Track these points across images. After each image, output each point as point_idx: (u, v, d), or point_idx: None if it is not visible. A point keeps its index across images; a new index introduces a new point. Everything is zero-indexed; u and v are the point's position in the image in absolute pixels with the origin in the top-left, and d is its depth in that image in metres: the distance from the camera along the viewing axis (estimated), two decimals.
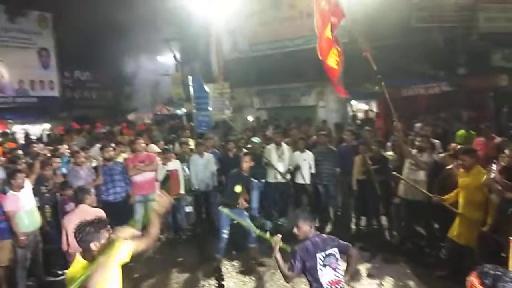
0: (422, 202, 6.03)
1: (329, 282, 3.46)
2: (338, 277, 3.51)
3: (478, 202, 4.91)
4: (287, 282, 3.70)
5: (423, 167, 6.10)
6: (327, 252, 3.51)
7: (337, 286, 3.50)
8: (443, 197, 5.34)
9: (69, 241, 4.54)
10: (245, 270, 6.20)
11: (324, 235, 3.66)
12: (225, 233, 6.15)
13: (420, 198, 6.02)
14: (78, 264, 2.96)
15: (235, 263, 6.46)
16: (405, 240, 6.72)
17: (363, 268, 5.99)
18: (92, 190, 6.68)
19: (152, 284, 5.79)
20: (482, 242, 4.90)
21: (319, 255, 3.47)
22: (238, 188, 6.12)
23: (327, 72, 6.34)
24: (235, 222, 6.26)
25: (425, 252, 6.36)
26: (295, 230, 3.63)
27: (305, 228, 3.58)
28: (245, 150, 8.21)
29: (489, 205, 4.87)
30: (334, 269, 3.50)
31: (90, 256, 2.93)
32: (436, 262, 5.93)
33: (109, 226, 3.06)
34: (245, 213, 6.36)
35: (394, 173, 6.19)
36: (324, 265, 3.46)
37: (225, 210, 5.63)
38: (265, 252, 6.68)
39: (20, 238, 5.43)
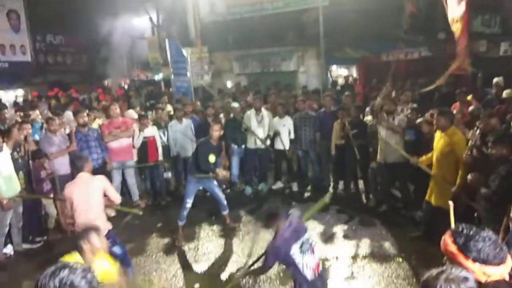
0: (399, 164, 6.13)
1: (312, 270, 3.40)
2: (316, 259, 3.49)
3: (451, 163, 4.96)
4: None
5: (398, 130, 6.17)
6: (302, 240, 3.44)
7: (318, 269, 3.48)
8: (420, 159, 5.42)
9: (77, 213, 4.35)
10: (225, 234, 6.27)
11: (294, 221, 3.51)
12: (189, 202, 6.07)
13: (397, 161, 6.13)
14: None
15: (214, 227, 6.52)
16: (381, 203, 6.87)
17: (339, 230, 6.13)
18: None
19: (131, 249, 5.76)
20: (456, 203, 5.01)
21: (295, 247, 3.37)
22: (212, 158, 5.93)
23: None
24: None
25: (400, 214, 6.52)
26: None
27: (279, 222, 3.48)
28: (232, 115, 8.09)
29: (459, 166, 4.92)
30: (312, 253, 3.45)
31: (81, 253, 3.08)
32: (410, 223, 6.12)
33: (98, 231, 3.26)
34: (215, 183, 6.30)
35: (386, 140, 6.15)
36: (303, 253, 3.38)
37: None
38: (242, 217, 6.81)
39: (4, 202, 5.32)
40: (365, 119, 7.52)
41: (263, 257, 3.66)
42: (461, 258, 1.83)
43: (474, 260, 1.81)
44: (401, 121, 6.32)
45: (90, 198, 4.09)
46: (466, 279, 1.63)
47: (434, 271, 1.71)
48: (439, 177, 5.11)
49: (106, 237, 4.51)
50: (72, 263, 1.62)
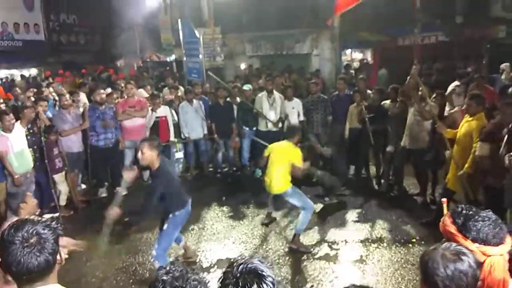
0: (421, 151, 6.07)
1: None
2: None
3: (467, 148, 4.91)
4: None
5: (426, 116, 5.89)
6: None
7: None
8: (447, 129, 5.34)
9: None
10: (234, 215, 6.30)
11: None
12: None
13: (420, 147, 6.06)
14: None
15: (224, 208, 6.56)
16: (392, 188, 6.81)
17: (350, 214, 6.12)
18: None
19: (142, 226, 5.83)
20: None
21: None
22: None
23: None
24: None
25: (412, 199, 6.47)
26: None
27: None
28: (238, 99, 8.04)
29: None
30: None
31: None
32: (422, 209, 6.07)
33: None
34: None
35: None
36: None
37: None
38: (252, 200, 6.83)
39: (15, 177, 5.45)
40: (382, 103, 7.34)
41: None
42: (460, 238, 1.79)
43: (474, 240, 1.77)
44: (433, 107, 6.09)
45: None
46: (462, 258, 1.58)
47: (434, 245, 1.68)
48: (456, 160, 5.07)
49: None
50: (31, 218, 1.65)
